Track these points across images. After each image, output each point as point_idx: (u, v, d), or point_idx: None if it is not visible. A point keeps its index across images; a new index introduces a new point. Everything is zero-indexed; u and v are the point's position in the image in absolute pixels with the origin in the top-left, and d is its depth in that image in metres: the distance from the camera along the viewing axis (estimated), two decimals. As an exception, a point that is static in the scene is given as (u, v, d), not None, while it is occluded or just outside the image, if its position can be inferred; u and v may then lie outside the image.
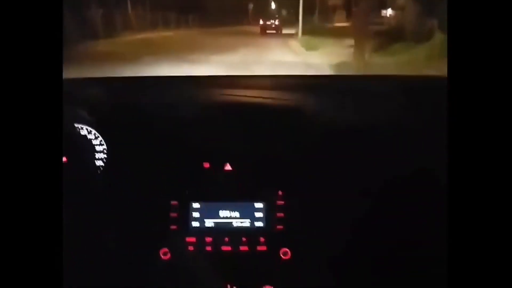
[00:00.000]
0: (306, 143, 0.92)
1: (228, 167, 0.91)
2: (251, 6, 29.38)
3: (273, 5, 32.34)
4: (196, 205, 0.91)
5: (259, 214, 0.91)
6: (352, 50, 8.95)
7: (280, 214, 0.90)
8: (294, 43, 11.08)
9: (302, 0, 13.32)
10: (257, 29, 17.33)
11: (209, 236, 0.90)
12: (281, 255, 0.89)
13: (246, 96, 0.98)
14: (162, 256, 0.88)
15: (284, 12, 32.25)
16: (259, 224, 0.90)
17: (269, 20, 18.15)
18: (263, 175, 0.91)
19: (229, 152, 0.92)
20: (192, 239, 0.90)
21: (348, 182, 0.92)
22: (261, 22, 17.80)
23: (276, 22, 18.30)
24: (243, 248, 0.89)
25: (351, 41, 11.08)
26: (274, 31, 16.93)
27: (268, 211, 0.91)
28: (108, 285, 0.83)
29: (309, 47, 9.15)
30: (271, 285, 0.87)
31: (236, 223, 0.91)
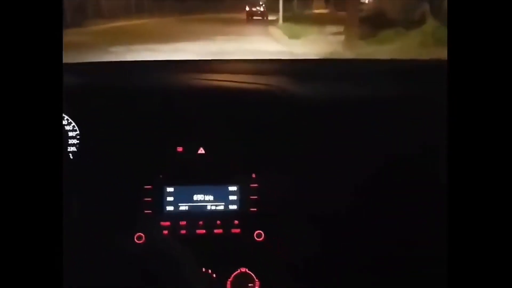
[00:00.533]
0: (281, 126, 0.90)
1: (201, 151, 0.89)
2: None
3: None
4: (170, 189, 0.90)
5: (233, 197, 0.90)
6: (337, 38, 8.49)
7: (254, 197, 0.89)
8: (276, 31, 10.49)
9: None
10: (236, 16, 17.07)
11: (183, 220, 0.89)
12: (255, 237, 0.89)
13: (220, 80, 0.96)
14: (136, 241, 0.87)
15: (262, -1, 31.97)
16: (233, 207, 0.90)
17: (254, 6, 18.39)
18: (237, 158, 0.90)
19: (203, 136, 0.90)
20: (166, 223, 0.89)
21: (326, 166, 0.90)
22: (247, 8, 18.00)
23: (261, 9, 18.62)
24: (217, 231, 0.89)
25: (333, 28, 10.71)
26: (260, 17, 17.09)
27: (242, 194, 0.90)
28: (87, 270, 0.82)
29: (291, 35, 8.61)
30: (245, 266, 0.87)
31: (211, 206, 0.90)
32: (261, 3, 18.82)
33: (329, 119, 0.91)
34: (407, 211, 0.90)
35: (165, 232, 0.88)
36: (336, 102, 0.94)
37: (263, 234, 0.89)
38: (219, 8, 21.82)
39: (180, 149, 0.89)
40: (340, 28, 10.29)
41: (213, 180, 0.90)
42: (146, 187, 0.89)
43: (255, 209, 0.90)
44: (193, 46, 6.63)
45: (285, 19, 12.34)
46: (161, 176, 0.90)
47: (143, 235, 0.88)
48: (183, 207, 0.90)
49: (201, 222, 0.89)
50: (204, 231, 0.88)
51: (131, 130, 0.90)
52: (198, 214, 0.89)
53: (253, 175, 0.90)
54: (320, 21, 12.81)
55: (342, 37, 8.28)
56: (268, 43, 8.30)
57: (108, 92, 0.94)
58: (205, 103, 0.91)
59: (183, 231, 0.88)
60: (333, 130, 0.91)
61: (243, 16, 16.75)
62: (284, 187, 0.89)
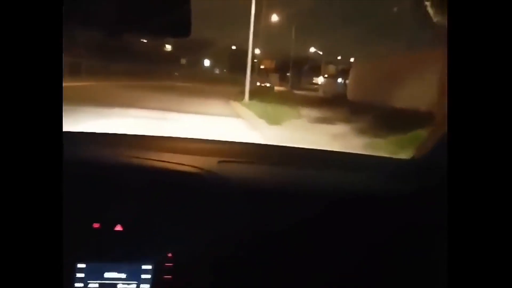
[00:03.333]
0: (202, 209, 0.87)
1: (119, 228, 0.84)
2: (184, 60, 27.83)
3: (206, 62, 31.08)
4: (81, 265, 0.83)
5: (146, 276, 0.84)
6: (328, 128, 6.58)
7: (168, 276, 0.84)
8: (245, 111, 8.36)
9: (250, 59, 10.94)
10: (190, 86, 15.75)
11: None
12: None
13: (145, 158, 0.92)
14: None
15: (217, 71, 31.11)
16: (145, 286, 0.84)
17: (264, 82, 20.35)
18: (154, 237, 0.85)
19: (122, 213, 0.85)
20: None
21: (244, 249, 0.86)
22: (258, 83, 19.20)
23: (268, 84, 19.91)
24: None
25: (310, 111, 9.02)
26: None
27: (156, 273, 0.84)
28: None
29: (270, 119, 6.55)
30: None
31: (122, 285, 0.83)
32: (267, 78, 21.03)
33: (255, 203, 0.89)
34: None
35: None
36: (264, 186, 0.93)
37: None
38: (171, 76, 20.09)
39: (97, 225, 0.84)
40: (323, 113, 8.59)
41: (128, 258, 0.84)
42: None
43: None
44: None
45: (251, 96, 10.44)
46: (74, 252, 0.83)
47: None
48: (93, 284, 0.83)
49: None
50: None
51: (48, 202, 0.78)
52: None
53: (169, 255, 0.84)
54: (287, 100, 11.19)
55: (335, 127, 6.38)
56: (238, 128, 6.15)
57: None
58: (128, 180, 0.87)
59: None
60: (254, 214, 0.88)
61: (204, 86, 16.07)
62: (199, 268, 0.85)
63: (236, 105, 9.52)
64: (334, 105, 10.70)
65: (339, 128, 6.36)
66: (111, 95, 9.26)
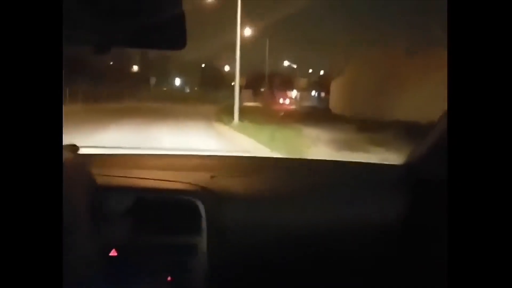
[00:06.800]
0: (197, 227, 0.82)
1: (113, 253, 0.81)
2: (153, 79, 25.82)
3: (177, 81, 29.11)
4: None
5: None
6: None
7: None
8: (241, 139, 6.45)
9: (238, 74, 9.12)
10: (163, 107, 14.01)
11: None
12: None
13: (139, 177, 0.88)
14: None
15: (187, 89, 29.17)
16: None
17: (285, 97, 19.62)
18: (150, 260, 0.82)
19: (115, 237, 0.81)
20: None
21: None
22: (281, 101, 18.78)
23: (287, 102, 19.46)
24: None
25: (314, 132, 7.32)
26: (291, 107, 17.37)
27: None
28: None
29: (284, 151, 4.73)
30: None
31: None
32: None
33: (250, 217, 0.87)
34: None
35: None
36: (258, 199, 0.90)
37: None
38: (140, 96, 18.14)
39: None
40: (332, 133, 6.87)
41: (124, 283, 0.80)
42: None
43: None
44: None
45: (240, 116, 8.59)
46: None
47: None
48: None
49: None
50: None
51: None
52: None
53: (169, 278, 0.80)
54: (277, 118, 9.49)
55: (371, 156, 4.67)
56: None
57: None
58: (118, 201, 0.83)
59: None
60: (251, 228, 0.86)
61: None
62: None
63: (225, 130, 7.62)
64: (331, 121, 9.13)
65: (378, 156, 4.64)
66: (72, 122, 7.21)
